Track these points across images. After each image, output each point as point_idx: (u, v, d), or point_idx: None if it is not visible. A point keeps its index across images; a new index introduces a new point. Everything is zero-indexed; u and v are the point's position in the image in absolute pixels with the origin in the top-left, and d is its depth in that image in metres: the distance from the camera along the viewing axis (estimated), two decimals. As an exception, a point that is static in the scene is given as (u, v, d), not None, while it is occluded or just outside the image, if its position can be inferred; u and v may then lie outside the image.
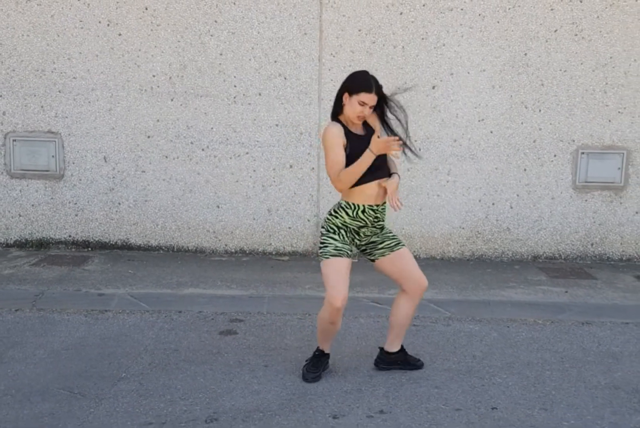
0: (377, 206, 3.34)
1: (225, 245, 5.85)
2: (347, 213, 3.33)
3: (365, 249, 3.45)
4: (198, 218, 5.82)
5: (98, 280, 5.00)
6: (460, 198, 5.75)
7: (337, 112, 3.34)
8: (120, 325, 4.17)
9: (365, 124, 3.38)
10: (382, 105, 3.36)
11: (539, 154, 5.70)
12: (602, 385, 3.45)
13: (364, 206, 3.31)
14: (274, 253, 5.83)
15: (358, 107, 3.24)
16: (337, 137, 3.25)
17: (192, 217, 5.82)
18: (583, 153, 5.68)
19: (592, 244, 5.80)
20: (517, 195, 5.75)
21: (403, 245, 3.44)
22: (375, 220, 3.37)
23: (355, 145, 3.27)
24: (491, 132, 5.67)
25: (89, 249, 5.87)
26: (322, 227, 3.42)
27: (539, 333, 4.18)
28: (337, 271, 3.26)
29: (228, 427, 2.96)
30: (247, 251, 5.85)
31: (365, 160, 3.21)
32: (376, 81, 3.29)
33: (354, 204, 3.32)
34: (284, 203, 5.78)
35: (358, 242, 3.42)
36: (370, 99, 3.24)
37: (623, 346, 3.98)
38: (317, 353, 3.50)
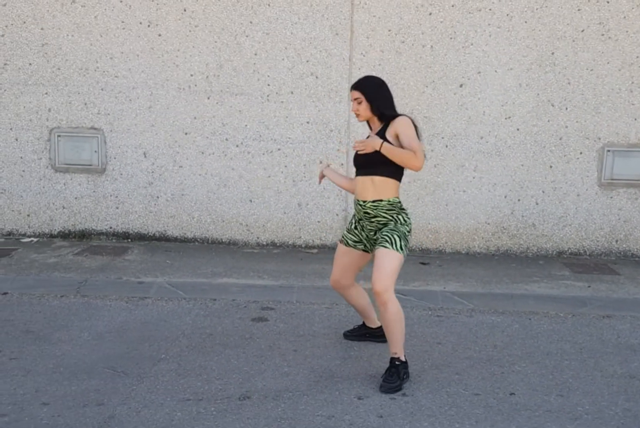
0: (364, 202, 3.48)
1: (257, 238, 6.05)
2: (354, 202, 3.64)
3: (373, 244, 3.57)
4: (232, 212, 6.03)
5: (137, 269, 5.22)
6: (486, 194, 5.86)
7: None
8: (159, 311, 4.36)
9: (383, 131, 3.47)
10: (373, 101, 3.43)
11: (565, 152, 5.78)
12: (618, 374, 3.55)
13: (355, 199, 3.57)
14: (303, 245, 6.02)
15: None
16: None
17: (226, 210, 6.03)
18: (609, 151, 5.74)
19: (616, 241, 5.86)
20: (543, 191, 5.84)
21: (384, 246, 3.33)
22: (366, 215, 3.50)
23: None
24: (517, 129, 5.77)
25: (129, 240, 6.12)
26: None
27: (560, 325, 4.27)
28: (336, 256, 3.72)
29: (260, 404, 3.14)
30: (278, 244, 6.05)
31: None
32: (361, 79, 3.51)
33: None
34: (313, 197, 5.95)
35: (367, 234, 3.56)
36: (352, 94, 3.49)
37: (641, 339, 4.07)
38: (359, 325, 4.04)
